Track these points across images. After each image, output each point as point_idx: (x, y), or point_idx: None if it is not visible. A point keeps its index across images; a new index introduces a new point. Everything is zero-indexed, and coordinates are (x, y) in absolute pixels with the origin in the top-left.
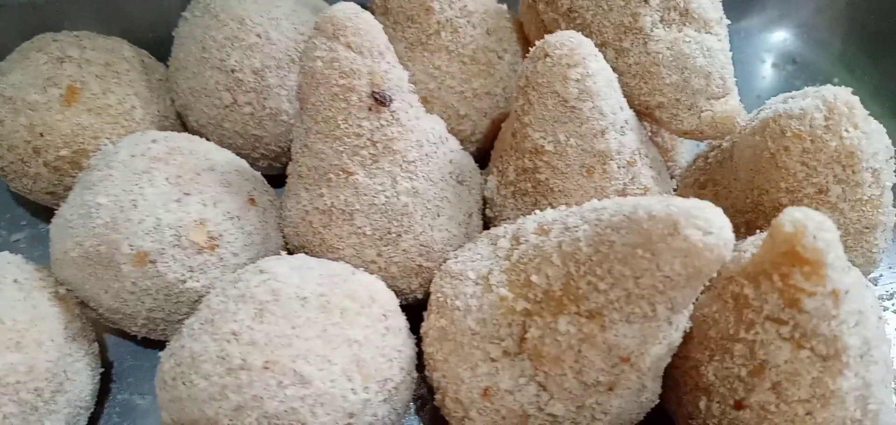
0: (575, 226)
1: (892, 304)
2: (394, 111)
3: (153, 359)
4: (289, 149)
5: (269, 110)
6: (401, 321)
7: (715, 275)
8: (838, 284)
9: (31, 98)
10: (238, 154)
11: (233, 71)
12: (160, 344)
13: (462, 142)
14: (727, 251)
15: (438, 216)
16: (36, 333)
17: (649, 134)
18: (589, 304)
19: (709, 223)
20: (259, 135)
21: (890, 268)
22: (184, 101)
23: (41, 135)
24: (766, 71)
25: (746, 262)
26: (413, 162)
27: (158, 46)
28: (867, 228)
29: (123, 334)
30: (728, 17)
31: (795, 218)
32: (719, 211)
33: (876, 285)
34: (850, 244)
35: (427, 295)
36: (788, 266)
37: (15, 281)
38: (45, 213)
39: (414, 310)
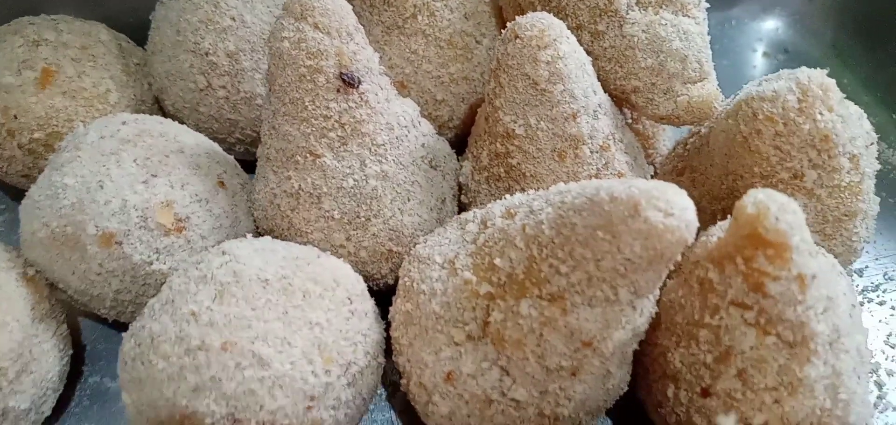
0: (539, 209)
1: (877, 296)
2: (362, 93)
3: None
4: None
5: (244, 94)
6: (367, 305)
7: (680, 259)
8: (804, 269)
9: (6, 80)
10: (214, 138)
11: (207, 54)
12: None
13: (439, 127)
14: (689, 234)
15: (409, 200)
16: (2, 311)
17: (629, 120)
18: (551, 288)
19: (670, 204)
20: (234, 119)
21: (876, 259)
22: (160, 85)
23: (15, 117)
24: (758, 60)
25: (711, 247)
26: (382, 145)
27: (138, 31)
28: (846, 216)
29: (96, 317)
30: (720, 6)
31: (758, 199)
32: (683, 192)
33: (861, 276)
34: (829, 232)
35: (396, 283)
36: (752, 249)
37: None
38: (22, 196)
39: (386, 297)
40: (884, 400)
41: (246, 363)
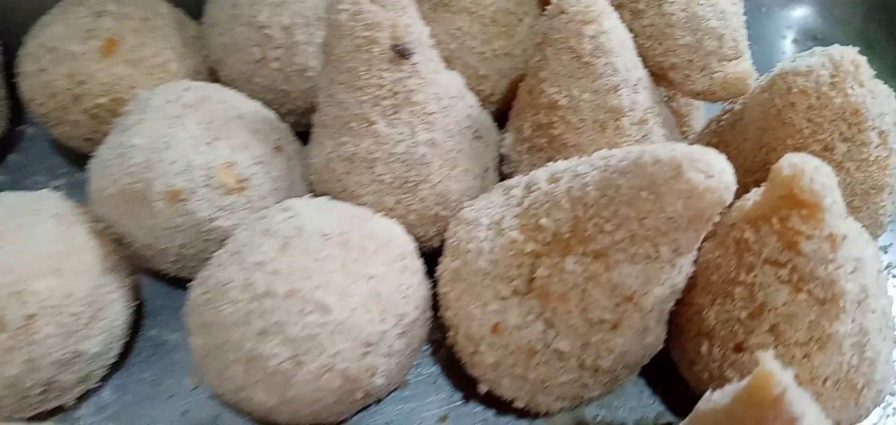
0: (584, 173)
1: None
2: (414, 64)
3: (183, 298)
4: (313, 107)
5: (297, 66)
6: (417, 264)
7: (717, 220)
8: (835, 229)
9: (72, 48)
10: (266, 108)
11: (263, 27)
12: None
13: (481, 101)
14: (728, 194)
15: (455, 167)
16: (74, 262)
17: (664, 98)
18: (595, 245)
19: (710, 167)
20: (287, 90)
21: None
22: (216, 57)
23: (81, 83)
24: (787, 46)
25: (748, 208)
26: (432, 113)
27: (192, 6)
28: (873, 189)
29: (155, 274)
30: None
31: (794, 162)
32: (722, 156)
33: (885, 253)
34: (856, 204)
35: (443, 243)
36: (787, 209)
37: (55, 215)
38: (82, 161)
39: (429, 259)
40: None
41: (309, 309)
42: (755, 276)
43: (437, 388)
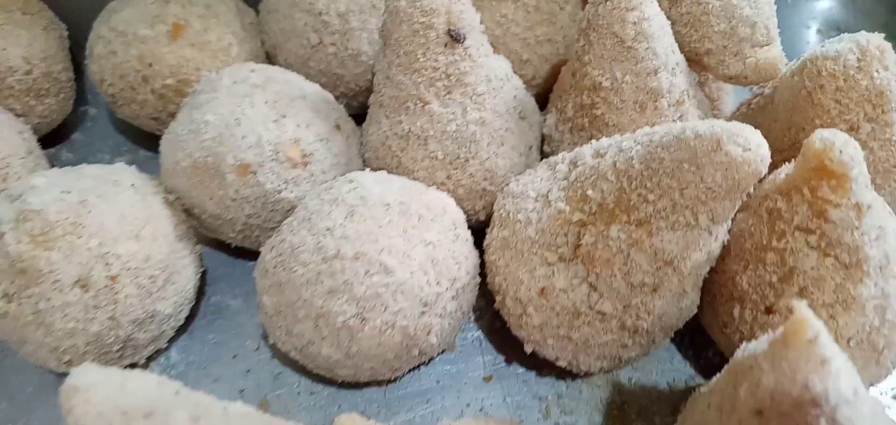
0: (628, 148)
1: None
2: (467, 48)
3: (244, 268)
4: (366, 89)
5: (351, 51)
6: (467, 233)
7: (751, 191)
8: (861, 198)
9: (141, 32)
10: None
11: (320, 14)
12: (250, 254)
13: (524, 85)
14: (763, 166)
15: (502, 145)
16: (151, 229)
17: (697, 82)
18: (639, 214)
19: (748, 141)
20: (341, 73)
21: None
22: (274, 41)
23: (150, 65)
24: (812, 36)
25: (780, 181)
26: (481, 94)
27: None
28: (895, 168)
29: (218, 244)
30: None
31: (825, 136)
32: (757, 132)
33: None
34: (879, 182)
35: (488, 217)
36: (817, 179)
37: (132, 185)
38: (144, 141)
39: (475, 233)
40: None
41: (373, 270)
42: (786, 243)
43: (482, 351)
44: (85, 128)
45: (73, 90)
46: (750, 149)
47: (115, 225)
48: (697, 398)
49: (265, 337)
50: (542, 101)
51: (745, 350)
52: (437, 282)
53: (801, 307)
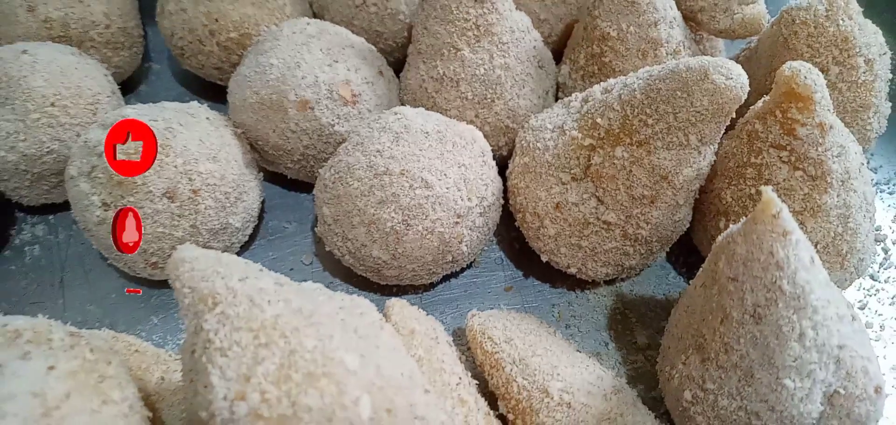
0: (632, 83)
1: (888, 188)
2: (494, 2)
3: (297, 198)
4: (402, 45)
5: (390, 10)
6: (493, 163)
7: (733, 116)
8: (824, 118)
9: None
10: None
11: None
12: (303, 185)
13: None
14: (743, 93)
15: (523, 88)
16: (225, 153)
17: (691, 36)
18: (639, 136)
19: (730, 71)
20: (380, 31)
21: (889, 160)
22: (322, 3)
23: (216, 20)
24: None
25: (757, 108)
26: (506, 43)
27: None
28: (862, 108)
29: (275, 177)
30: None
31: (793, 65)
32: (738, 65)
33: (875, 173)
34: (848, 121)
35: (510, 153)
36: (787, 102)
37: (207, 118)
38: (202, 92)
39: (498, 167)
40: (888, 260)
41: (416, 185)
42: (762, 158)
43: (502, 267)
44: (150, 81)
45: (143, 45)
46: (731, 78)
47: (196, 147)
48: (687, 290)
49: (317, 254)
50: (557, 56)
51: (724, 234)
52: (469, 198)
53: (768, 190)
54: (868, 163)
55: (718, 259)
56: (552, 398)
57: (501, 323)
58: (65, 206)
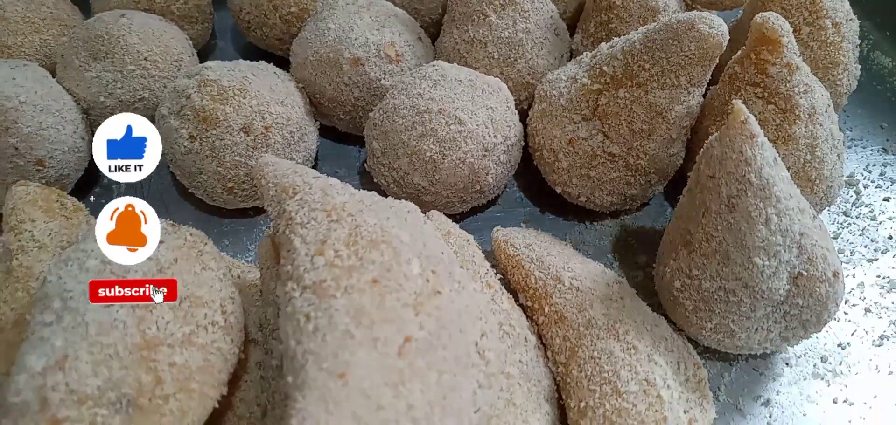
0: (632, 36)
1: (861, 143)
2: None
3: (346, 149)
4: (436, 21)
5: None
6: (515, 109)
7: (717, 61)
8: (791, 59)
9: None
10: None
11: None
12: (351, 138)
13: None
14: (724, 40)
15: (542, 50)
16: (290, 100)
17: (683, 6)
18: (638, 79)
19: (713, 22)
20: (418, 8)
21: (853, 128)
22: None
23: None
24: None
25: (736, 56)
26: (527, 11)
27: None
28: (831, 65)
29: (325, 131)
30: None
31: (763, 15)
32: (719, 18)
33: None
34: (820, 76)
35: (529, 107)
36: (760, 46)
37: (274, 73)
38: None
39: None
40: (860, 200)
41: (452, 121)
42: (741, 96)
43: (521, 204)
44: (215, 55)
45: (212, 21)
46: (714, 27)
47: (267, 92)
48: (677, 205)
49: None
50: (570, 29)
51: (706, 142)
52: (495, 135)
53: (738, 103)
54: (845, 122)
55: (700, 163)
56: (563, 284)
57: (521, 235)
58: None
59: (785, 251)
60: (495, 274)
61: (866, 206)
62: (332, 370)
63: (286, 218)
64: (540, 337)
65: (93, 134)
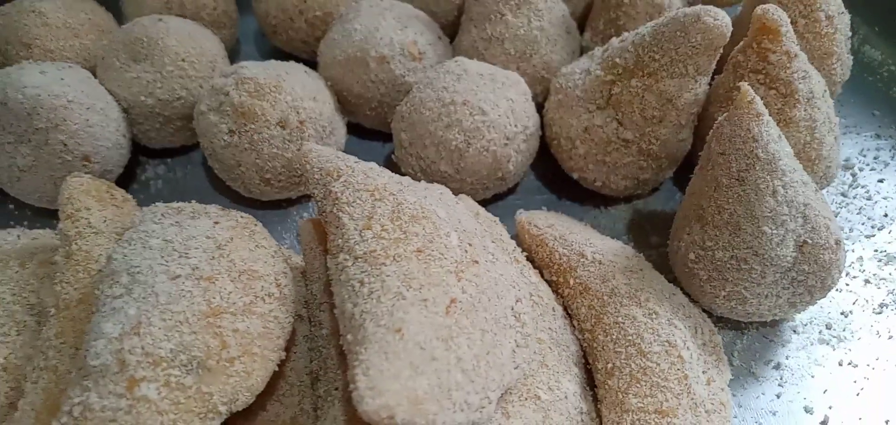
0: (641, 30)
1: (855, 129)
2: None
3: (371, 145)
4: (452, 22)
5: None
6: (532, 101)
7: (721, 51)
8: (790, 48)
9: None
10: None
11: None
12: (374, 134)
13: None
14: (727, 31)
15: (555, 46)
16: (321, 96)
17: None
18: (649, 69)
19: (717, 15)
20: (434, 11)
21: (845, 118)
22: None
23: (304, 1)
24: None
25: (739, 46)
26: (541, 10)
27: None
28: (826, 55)
29: (351, 128)
30: None
31: (763, 6)
32: (722, 11)
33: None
34: (816, 65)
35: (544, 101)
36: (760, 35)
37: (304, 71)
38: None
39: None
40: (856, 182)
41: (475, 112)
42: (744, 82)
43: (538, 191)
44: (240, 59)
45: (238, 27)
46: (718, 20)
47: (300, 89)
48: (689, 184)
49: None
50: (579, 27)
51: (716, 122)
52: (515, 125)
53: (744, 85)
54: (840, 110)
55: (711, 142)
56: (586, 258)
57: (544, 216)
58: (180, 151)
59: (791, 220)
60: (521, 252)
61: (862, 187)
62: (389, 326)
63: (333, 198)
64: (565, 308)
65: (132, 132)
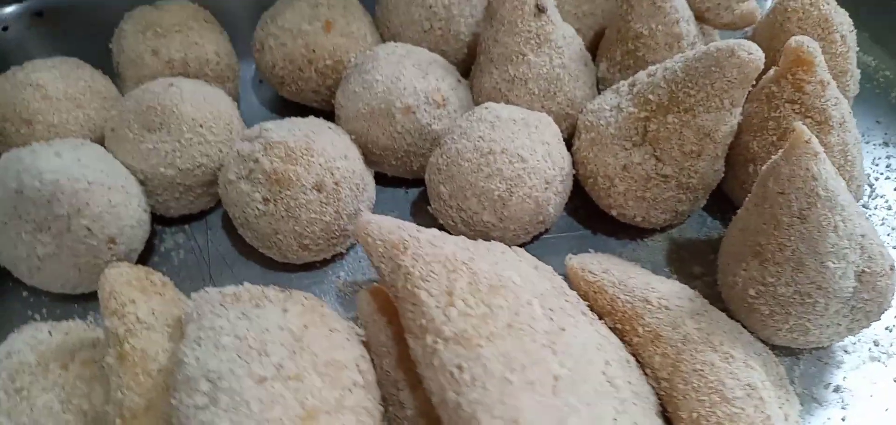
0: (672, 65)
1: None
2: (548, 15)
3: (392, 193)
4: (462, 60)
5: (453, 32)
6: (563, 141)
7: (754, 85)
8: (823, 77)
9: (304, 27)
10: None
11: (431, 6)
12: (393, 180)
13: None
14: (760, 64)
15: (578, 81)
16: (351, 153)
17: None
18: (685, 105)
19: (750, 48)
20: (445, 50)
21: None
22: (394, 31)
23: (313, 50)
24: None
25: (770, 75)
26: (561, 47)
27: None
28: (841, 73)
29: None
30: None
31: (798, 39)
32: (755, 44)
33: None
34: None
35: (569, 137)
36: (795, 66)
37: (329, 127)
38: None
39: None
40: (874, 192)
41: (515, 160)
42: (779, 112)
43: (572, 227)
44: (240, 109)
45: (239, 80)
46: (752, 53)
47: (331, 148)
48: (736, 218)
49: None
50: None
51: (768, 163)
52: (553, 168)
53: (800, 124)
54: None
55: (766, 181)
56: (652, 305)
57: (596, 260)
58: (197, 216)
59: (851, 252)
60: (586, 304)
61: (881, 197)
62: (504, 416)
63: (404, 273)
64: (635, 355)
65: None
